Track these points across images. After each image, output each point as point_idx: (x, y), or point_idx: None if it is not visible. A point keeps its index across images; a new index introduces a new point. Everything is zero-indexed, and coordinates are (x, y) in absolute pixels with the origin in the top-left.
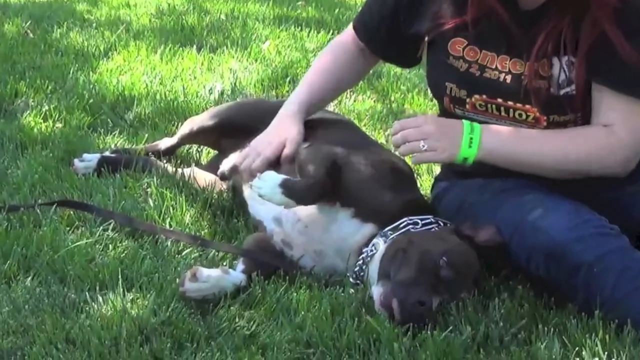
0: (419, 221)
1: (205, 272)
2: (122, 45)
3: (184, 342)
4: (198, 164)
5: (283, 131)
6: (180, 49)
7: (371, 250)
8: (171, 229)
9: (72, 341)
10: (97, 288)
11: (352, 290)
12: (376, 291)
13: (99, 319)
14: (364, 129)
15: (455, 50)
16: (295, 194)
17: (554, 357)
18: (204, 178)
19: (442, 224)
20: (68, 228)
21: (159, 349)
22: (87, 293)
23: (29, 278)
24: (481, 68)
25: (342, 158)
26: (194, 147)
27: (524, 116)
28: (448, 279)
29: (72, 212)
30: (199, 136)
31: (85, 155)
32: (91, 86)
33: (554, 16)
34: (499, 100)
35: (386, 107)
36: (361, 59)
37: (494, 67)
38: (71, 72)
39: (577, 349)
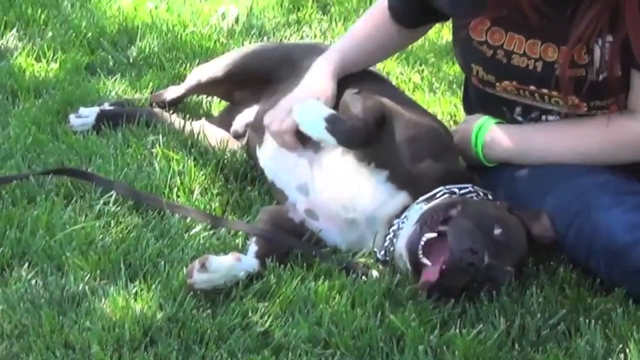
0: (457, 190)
1: (215, 261)
2: None
3: (192, 345)
4: (209, 116)
5: (317, 89)
6: None
7: (402, 222)
8: (179, 202)
9: (71, 346)
10: (98, 278)
11: (375, 275)
12: (406, 231)
13: (99, 319)
14: None
15: (477, 33)
16: (340, 132)
17: (595, 354)
18: (214, 134)
19: (482, 194)
20: (65, 201)
21: (164, 353)
22: (86, 286)
23: (24, 267)
24: (508, 54)
25: (390, 112)
26: (204, 96)
27: (561, 102)
28: (501, 242)
29: (69, 182)
30: (208, 87)
31: (82, 110)
32: (89, 15)
33: None
34: (532, 87)
35: None
36: (400, 33)
37: (522, 52)
38: None
39: (621, 345)
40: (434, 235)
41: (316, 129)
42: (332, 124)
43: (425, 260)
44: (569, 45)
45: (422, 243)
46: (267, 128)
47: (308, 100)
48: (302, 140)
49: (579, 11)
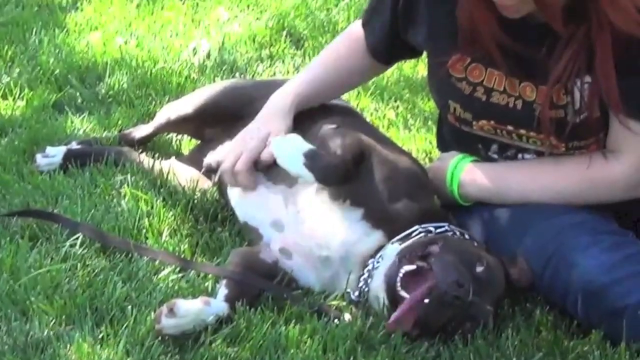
0: (433, 229)
1: (183, 305)
2: None
3: None
4: (178, 155)
5: (269, 124)
6: None
7: (377, 262)
8: (147, 244)
9: None
10: (64, 323)
11: (347, 318)
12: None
13: None
14: None
15: (456, 69)
16: (318, 168)
17: None
18: (184, 174)
19: (458, 233)
20: (30, 244)
21: None
22: (51, 332)
23: None
24: (487, 91)
25: (368, 149)
26: (174, 134)
27: (538, 143)
28: (483, 280)
29: (35, 224)
30: (178, 125)
31: (49, 149)
32: (57, 51)
33: (567, 34)
34: (509, 127)
35: None
36: (373, 67)
37: (502, 89)
38: (34, 30)
39: None
40: (412, 267)
41: (294, 164)
42: (311, 160)
43: (403, 293)
44: (548, 86)
45: (401, 275)
46: (219, 165)
47: (290, 135)
48: (272, 175)
49: (555, 51)
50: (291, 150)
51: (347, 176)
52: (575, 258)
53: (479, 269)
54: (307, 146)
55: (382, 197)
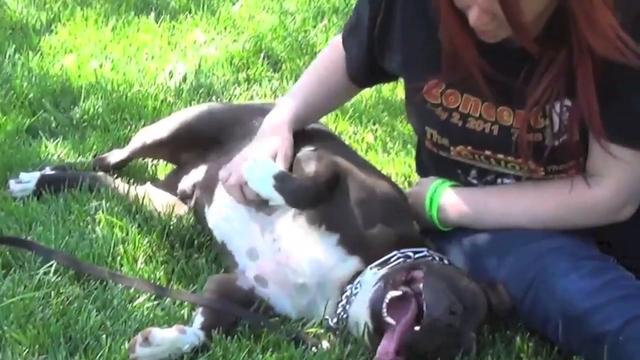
0: (412, 254)
1: (158, 334)
2: (67, 16)
3: None
4: (154, 180)
5: (275, 142)
6: (136, 17)
7: (355, 288)
8: (122, 271)
9: None
10: (37, 352)
11: (326, 346)
12: (363, 296)
13: None
14: None
15: (432, 96)
16: (288, 191)
17: None
18: (160, 199)
19: (437, 258)
20: (4, 271)
21: None
22: None
23: None
24: (463, 117)
25: (344, 172)
26: (149, 159)
27: (517, 167)
28: (468, 306)
29: (8, 251)
30: (154, 150)
31: (23, 175)
32: (31, 75)
33: (547, 58)
34: (487, 152)
35: None
36: (349, 89)
37: (477, 115)
38: (7, 54)
39: None
40: (398, 293)
41: (264, 187)
42: (281, 183)
43: (389, 320)
44: (525, 109)
45: (387, 301)
46: (222, 182)
47: (260, 158)
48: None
49: (534, 75)
50: (262, 174)
51: (319, 199)
52: (556, 284)
53: (464, 295)
54: (277, 169)
55: (358, 222)
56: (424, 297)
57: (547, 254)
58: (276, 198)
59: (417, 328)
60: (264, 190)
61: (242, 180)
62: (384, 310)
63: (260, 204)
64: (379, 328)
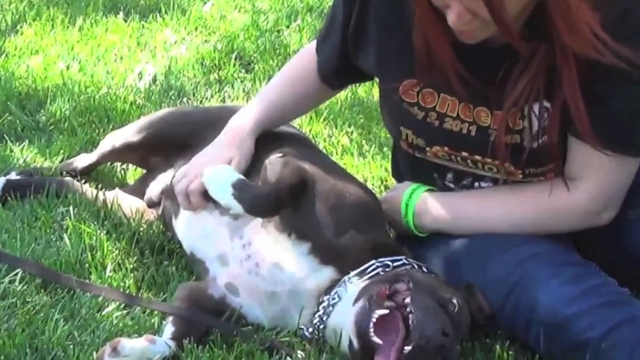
0: (390, 263)
1: (127, 344)
2: (33, 16)
3: None
4: (123, 185)
5: (232, 148)
6: (104, 17)
7: (333, 299)
8: (90, 279)
9: None
10: None
11: (300, 355)
12: (344, 309)
13: None
14: None
15: (408, 95)
16: (246, 199)
17: None
18: (129, 204)
19: (416, 266)
20: None
21: None
22: None
23: None
24: (440, 117)
25: (312, 178)
26: (118, 164)
27: (494, 169)
28: (455, 321)
29: None
30: (123, 154)
31: None
32: None
33: (526, 56)
34: (464, 153)
35: None
36: (323, 91)
37: (455, 115)
38: None
39: None
40: (385, 312)
41: (223, 195)
42: (240, 191)
43: (377, 340)
44: (503, 110)
45: (374, 320)
46: (174, 185)
47: (219, 165)
48: (219, 205)
49: (511, 76)
50: (220, 181)
51: (279, 206)
52: (536, 291)
53: (451, 309)
54: (236, 176)
55: (328, 229)
56: (415, 319)
57: (527, 260)
58: (235, 206)
59: (407, 348)
60: (223, 198)
61: (201, 187)
62: (371, 330)
63: (223, 208)
64: (366, 348)
